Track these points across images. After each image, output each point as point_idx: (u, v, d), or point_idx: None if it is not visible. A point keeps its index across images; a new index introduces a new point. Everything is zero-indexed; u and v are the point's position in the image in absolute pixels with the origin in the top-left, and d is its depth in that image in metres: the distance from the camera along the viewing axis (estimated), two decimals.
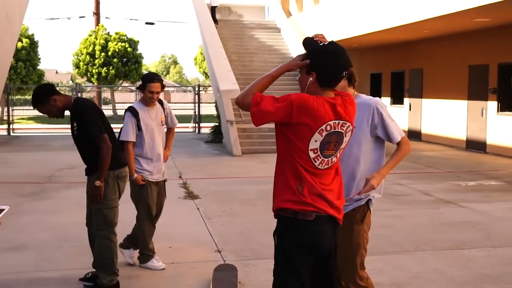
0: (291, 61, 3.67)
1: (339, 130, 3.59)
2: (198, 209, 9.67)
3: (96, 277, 5.75)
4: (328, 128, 3.54)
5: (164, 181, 6.74)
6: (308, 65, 3.60)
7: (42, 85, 5.89)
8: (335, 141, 3.60)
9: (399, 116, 23.13)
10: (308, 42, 3.70)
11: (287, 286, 3.65)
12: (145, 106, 6.48)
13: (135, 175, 6.35)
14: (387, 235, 7.96)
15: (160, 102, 6.66)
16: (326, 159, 3.59)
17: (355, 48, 26.01)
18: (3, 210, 2.35)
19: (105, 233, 5.66)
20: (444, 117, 20.04)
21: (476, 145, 18.23)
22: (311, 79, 3.58)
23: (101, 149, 5.47)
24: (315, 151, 3.54)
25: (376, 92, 25.24)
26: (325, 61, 3.57)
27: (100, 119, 5.69)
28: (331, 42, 3.65)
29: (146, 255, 6.54)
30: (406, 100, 22.72)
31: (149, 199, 6.50)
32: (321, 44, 3.63)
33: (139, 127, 6.39)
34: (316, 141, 3.53)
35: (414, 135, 21.80)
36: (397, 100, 23.52)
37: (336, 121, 3.56)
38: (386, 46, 23.70)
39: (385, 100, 24.41)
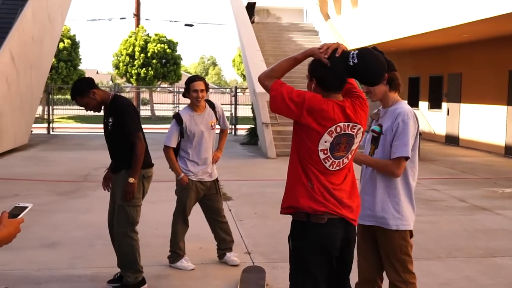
0: (314, 47, 3.67)
1: (349, 132, 3.60)
2: (230, 210, 9.70)
3: (122, 277, 5.81)
4: (338, 129, 3.55)
5: (215, 181, 6.72)
6: (309, 71, 3.68)
7: (83, 78, 6.01)
8: (346, 143, 3.61)
9: (437, 121, 22.88)
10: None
11: None
12: (192, 111, 6.51)
13: (182, 174, 6.46)
14: (419, 241, 7.85)
15: (212, 105, 6.67)
16: (337, 161, 3.61)
17: (393, 52, 25.80)
18: (26, 207, 2.38)
19: (127, 231, 5.73)
20: (483, 122, 19.75)
21: None
22: (313, 85, 3.66)
23: (136, 146, 5.54)
24: (325, 152, 3.56)
25: (414, 96, 25.03)
26: (319, 70, 3.61)
27: (137, 117, 5.77)
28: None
29: (177, 254, 6.60)
30: (444, 105, 22.45)
31: (187, 199, 6.59)
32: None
33: (182, 135, 6.46)
34: (325, 142, 3.55)
35: (451, 140, 21.56)
36: (435, 104, 23.26)
37: (346, 123, 3.57)
38: (424, 50, 23.46)
39: (423, 105, 24.18)
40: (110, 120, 5.74)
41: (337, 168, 3.61)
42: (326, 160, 3.57)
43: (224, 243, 6.77)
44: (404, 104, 4.30)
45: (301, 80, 17.35)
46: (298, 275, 3.68)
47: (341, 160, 3.62)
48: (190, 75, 6.73)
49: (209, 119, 6.57)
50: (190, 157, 6.55)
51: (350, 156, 3.68)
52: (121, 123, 5.64)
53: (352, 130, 3.60)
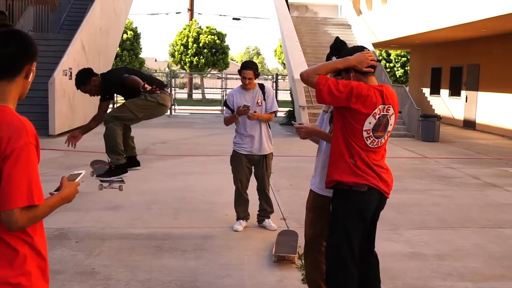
0: (351, 60, 3.69)
1: (386, 113, 3.67)
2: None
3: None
4: (379, 112, 3.63)
5: (263, 156, 6.67)
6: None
7: (82, 69, 5.87)
8: (384, 124, 3.68)
9: (456, 107, 22.56)
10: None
11: (339, 249, 3.76)
12: (242, 89, 6.62)
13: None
14: (435, 212, 7.86)
15: (262, 87, 6.69)
16: (376, 140, 3.68)
17: (418, 44, 25.50)
18: (80, 173, 2.51)
19: (114, 121, 5.74)
20: (498, 109, 19.37)
21: None
22: (352, 74, 3.72)
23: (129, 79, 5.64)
24: (368, 131, 3.63)
25: (436, 84, 24.69)
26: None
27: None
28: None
29: (237, 216, 6.85)
30: (463, 93, 22.07)
31: (235, 171, 6.73)
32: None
33: (228, 107, 6.64)
34: (370, 123, 3.63)
35: (469, 124, 21.23)
36: (454, 92, 22.89)
37: (383, 106, 3.65)
38: (446, 42, 23.05)
39: (444, 92, 23.85)
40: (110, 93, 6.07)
41: (376, 146, 3.69)
42: (368, 139, 3.66)
43: (265, 212, 6.88)
44: None
45: None
46: (336, 235, 3.78)
47: (380, 139, 3.70)
48: (243, 62, 6.79)
49: (256, 96, 6.60)
50: (238, 129, 6.67)
51: (386, 137, 3.76)
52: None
53: (388, 111, 3.68)
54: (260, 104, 6.60)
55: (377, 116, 3.65)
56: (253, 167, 6.77)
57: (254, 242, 6.29)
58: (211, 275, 5.23)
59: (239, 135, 6.68)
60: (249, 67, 6.52)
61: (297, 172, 10.80)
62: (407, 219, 7.44)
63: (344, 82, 3.61)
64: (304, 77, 3.72)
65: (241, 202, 6.83)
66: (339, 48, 4.17)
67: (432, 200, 8.55)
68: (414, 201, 8.40)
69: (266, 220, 6.85)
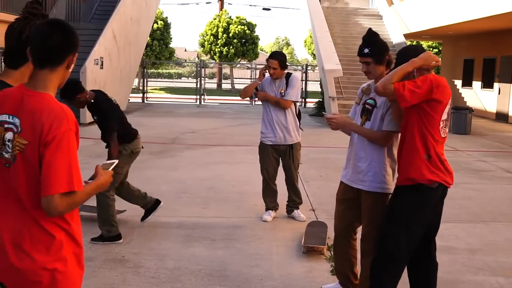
0: (425, 57, 3.74)
1: (449, 102, 3.83)
2: (298, 173, 9.73)
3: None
4: (451, 101, 3.80)
5: (289, 146, 6.61)
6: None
7: (71, 82, 5.45)
8: (448, 112, 3.81)
9: (488, 100, 22.17)
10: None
11: (397, 240, 3.79)
12: (270, 77, 6.60)
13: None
14: (466, 206, 7.75)
15: (288, 76, 6.61)
16: (445, 129, 3.79)
17: (450, 36, 25.11)
18: (113, 163, 2.56)
19: (106, 192, 5.76)
20: None
21: None
22: (415, 71, 3.75)
23: (110, 145, 5.79)
24: (444, 121, 3.75)
25: (468, 76, 24.30)
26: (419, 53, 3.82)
27: (115, 115, 5.93)
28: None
29: (266, 206, 6.85)
30: (496, 85, 21.65)
31: (262, 160, 6.74)
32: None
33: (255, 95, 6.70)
34: (446, 113, 3.75)
35: (501, 117, 20.85)
36: (487, 84, 22.48)
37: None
38: (479, 34, 22.64)
39: (476, 84, 23.46)
40: (95, 118, 5.93)
41: (444, 136, 3.77)
42: (442, 129, 3.74)
43: (293, 203, 6.86)
44: None
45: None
46: (396, 227, 3.80)
47: (446, 128, 3.81)
48: (271, 52, 6.79)
49: (280, 86, 6.57)
50: (263, 118, 6.67)
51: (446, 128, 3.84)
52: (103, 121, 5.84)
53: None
54: (283, 94, 6.55)
55: (450, 106, 3.79)
56: (280, 158, 6.75)
57: (283, 232, 6.28)
58: (240, 264, 5.23)
59: (264, 124, 6.67)
60: (274, 57, 6.50)
61: (326, 163, 10.75)
62: None
63: (420, 78, 3.67)
64: (381, 90, 3.72)
65: (268, 192, 6.81)
66: (372, 40, 4.12)
67: (464, 193, 8.42)
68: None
69: (295, 211, 6.83)
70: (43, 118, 2.20)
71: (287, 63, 6.63)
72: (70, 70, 2.39)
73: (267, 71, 6.55)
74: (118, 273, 4.94)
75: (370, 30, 4.22)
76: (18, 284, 2.26)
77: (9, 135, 2.25)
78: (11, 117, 2.26)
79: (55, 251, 2.26)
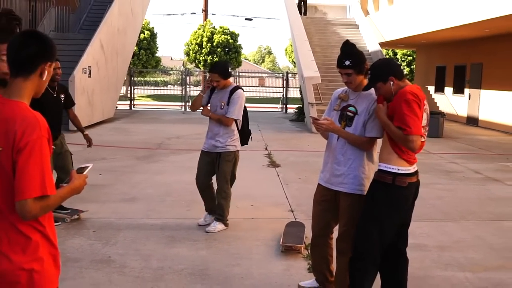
0: (381, 112, 3.89)
1: (426, 108, 3.89)
2: (278, 175, 9.78)
3: None
4: (425, 107, 3.85)
5: (218, 154, 6.31)
6: (379, 79, 3.85)
7: None
8: (427, 119, 3.89)
9: (460, 105, 22.42)
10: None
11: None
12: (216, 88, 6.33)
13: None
14: (437, 205, 7.83)
15: (233, 91, 6.26)
16: (425, 133, 3.87)
17: (424, 44, 25.35)
18: (88, 166, 2.57)
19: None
20: (500, 106, 19.22)
21: None
22: (392, 82, 3.81)
23: None
24: (423, 127, 3.81)
25: (440, 82, 24.55)
26: (391, 67, 3.92)
27: None
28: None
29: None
30: (467, 91, 21.90)
31: (198, 165, 6.51)
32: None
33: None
34: (424, 119, 3.81)
35: (472, 121, 21.09)
36: (458, 90, 22.73)
37: (425, 101, 3.88)
38: (451, 42, 22.88)
39: (448, 90, 23.70)
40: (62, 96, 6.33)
41: (423, 139, 3.82)
42: (423, 135, 3.81)
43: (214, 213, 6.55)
44: (373, 91, 4.09)
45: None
46: (370, 223, 3.87)
47: (425, 133, 3.87)
48: (211, 65, 6.53)
49: (223, 98, 6.25)
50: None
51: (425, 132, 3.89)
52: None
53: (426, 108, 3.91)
54: (222, 107, 6.27)
55: (425, 112, 3.86)
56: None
57: (264, 233, 6.30)
58: (221, 263, 5.25)
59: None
60: (213, 70, 6.18)
61: (305, 166, 10.80)
62: None
63: (412, 103, 3.69)
64: (412, 148, 3.73)
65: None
66: (352, 52, 4.13)
67: (435, 193, 8.52)
68: (418, 195, 8.34)
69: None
70: (16, 126, 2.21)
71: (229, 71, 6.27)
72: (45, 79, 2.39)
73: (211, 83, 6.27)
74: (104, 273, 4.93)
75: (347, 41, 4.20)
76: None
77: None
78: None
79: (32, 252, 2.28)
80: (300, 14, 24.50)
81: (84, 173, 2.49)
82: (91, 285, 4.66)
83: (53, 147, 2.45)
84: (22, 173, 2.18)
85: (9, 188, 2.22)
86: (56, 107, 6.37)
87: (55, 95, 6.35)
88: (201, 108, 6.48)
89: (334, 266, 4.45)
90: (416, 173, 3.91)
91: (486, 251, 5.86)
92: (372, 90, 4.01)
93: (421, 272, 5.12)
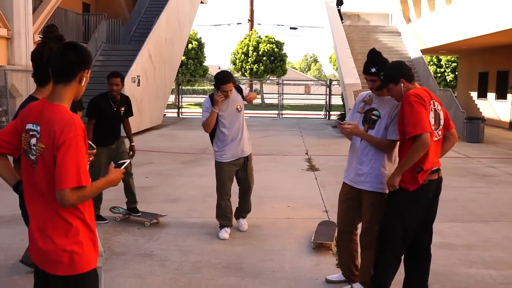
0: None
1: (436, 108, 4.04)
2: (316, 178, 9.96)
3: None
4: (432, 107, 3.98)
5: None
6: (390, 80, 4.08)
7: None
8: (436, 118, 4.04)
9: (502, 110, 22.04)
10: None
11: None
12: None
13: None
14: (469, 207, 7.87)
15: (236, 88, 6.23)
16: (435, 132, 4.00)
17: (466, 50, 25.03)
18: (125, 162, 2.89)
19: None
20: None
21: None
22: (403, 85, 4.02)
23: None
24: (434, 126, 3.97)
25: (483, 88, 24.18)
26: (402, 69, 4.13)
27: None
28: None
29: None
30: (509, 96, 21.54)
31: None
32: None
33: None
34: (432, 117, 3.96)
35: None
36: (501, 95, 22.34)
37: (432, 102, 4.02)
38: (493, 47, 22.55)
39: (491, 96, 23.34)
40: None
41: (436, 138, 4.01)
42: (433, 133, 3.98)
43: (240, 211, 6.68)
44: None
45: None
46: (392, 218, 4.06)
47: (437, 131, 4.04)
48: (219, 77, 6.01)
49: (236, 102, 6.22)
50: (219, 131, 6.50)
51: (440, 131, 4.06)
52: None
53: (437, 107, 4.08)
54: (239, 109, 6.26)
55: (433, 111, 3.99)
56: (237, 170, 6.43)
57: (298, 231, 6.52)
58: (255, 258, 5.50)
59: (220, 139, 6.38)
60: (229, 81, 5.97)
61: (343, 170, 10.83)
62: (440, 213, 7.44)
63: (416, 105, 3.85)
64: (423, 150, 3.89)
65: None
66: (378, 60, 4.35)
67: (469, 196, 8.54)
68: (451, 197, 8.36)
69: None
70: (55, 126, 2.53)
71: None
72: (83, 85, 2.70)
73: (221, 96, 5.97)
74: (146, 265, 5.25)
75: (373, 49, 4.43)
76: (44, 264, 2.61)
77: (33, 141, 2.60)
78: (34, 125, 2.61)
79: (72, 235, 2.59)
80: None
81: (122, 168, 2.80)
82: (134, 275, 4.98)
83: (93, 145, 2.79)
84: (60, 166, 2.49)
85: (52, 180, 2.53)
86: (113, 119, 6.86)
87: (115, 108, 6.83)
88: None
89: (359, 261, 4.64)
90: (437, 170, 4.06)
91: None
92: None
93: (446, 269, 5.24)
